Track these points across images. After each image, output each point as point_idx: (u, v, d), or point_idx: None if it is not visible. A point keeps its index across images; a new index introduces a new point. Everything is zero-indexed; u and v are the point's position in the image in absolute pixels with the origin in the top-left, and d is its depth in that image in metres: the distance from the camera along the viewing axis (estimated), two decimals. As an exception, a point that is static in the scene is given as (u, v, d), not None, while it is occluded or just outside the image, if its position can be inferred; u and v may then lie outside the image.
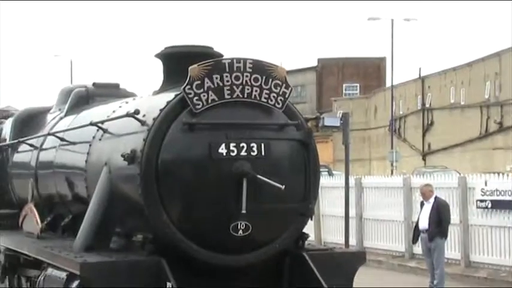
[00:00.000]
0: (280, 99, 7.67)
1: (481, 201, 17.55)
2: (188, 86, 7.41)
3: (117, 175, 7.98)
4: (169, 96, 7.65)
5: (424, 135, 53.16)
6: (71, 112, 10.58)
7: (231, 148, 7.37)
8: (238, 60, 7.53)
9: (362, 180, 21.92)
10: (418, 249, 17.42)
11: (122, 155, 7.59)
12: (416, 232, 15.06)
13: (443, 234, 14.80)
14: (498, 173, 19.59)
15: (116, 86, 10.99)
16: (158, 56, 8.47)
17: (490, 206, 17.37)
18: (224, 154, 7.35)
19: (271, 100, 7.63)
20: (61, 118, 10.75)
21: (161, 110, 7.50)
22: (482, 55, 47.36)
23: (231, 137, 7.40)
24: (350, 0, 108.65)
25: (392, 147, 48.23)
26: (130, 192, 7.70)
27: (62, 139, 9.83)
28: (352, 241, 20.51)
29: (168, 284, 7.13)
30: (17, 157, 11.64)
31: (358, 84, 70.31)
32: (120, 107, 8.94)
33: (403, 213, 19.74)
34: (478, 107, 46.46)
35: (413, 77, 56.70)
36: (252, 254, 7.62)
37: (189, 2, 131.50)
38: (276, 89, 7.64)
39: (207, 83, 7.44)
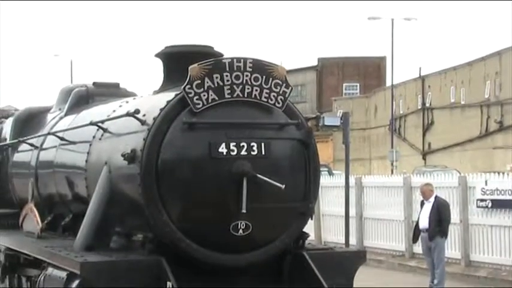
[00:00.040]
0: (281, 99, 7.66)
1: (481, 200, 17.53)
2: (188, 86, 7.41)
3: (117, 175, 7.97)
4: (170, 95, 7.64)
5: (424, 135, 53.13)
6: (71, 112, 10.57)
7: (231, 147, 7.37)
8: (239, 59, 7.53)
9: (362, 180, 21.89)
10: (418, 248, 17.39)
11: (122, 155, 7.59)
12: (416, 231, 15.06)
13: (444, 233, 14.80)
14: (498, 173, 19.55)
15: (116, 85, 10.97)
16: (158, 55, 8.48)
17: (490, 205, 17.34)
18: (224, 153, 7.35)
19: (272, 99, 7.63)
20: (61, 118, 10.73)
21: (161, 110, 7.49)
22: (482, 54, 47.33)
23: (231, 137, 7.39)
24: (350, 0, 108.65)
25: (392, 147, 48.22)
26: (130, 191, 7.69)
27: (62, 139, 9.82)
28: (352, 240, 20.46)
29: (168, 284, 7.12)
30: (17, 157, 11.62)
31: (358, 84, 70.21)
32: (120, 106, 8.92)
33: (403, 213, 19.71)
34: (478, 106, 46.43)
35: (413, 77, 56.66)
36: (252, 253, 7.62)
37: (189, 2, 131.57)
38: (276, 88, 7.64)
39: (207, 82, 7.44)
